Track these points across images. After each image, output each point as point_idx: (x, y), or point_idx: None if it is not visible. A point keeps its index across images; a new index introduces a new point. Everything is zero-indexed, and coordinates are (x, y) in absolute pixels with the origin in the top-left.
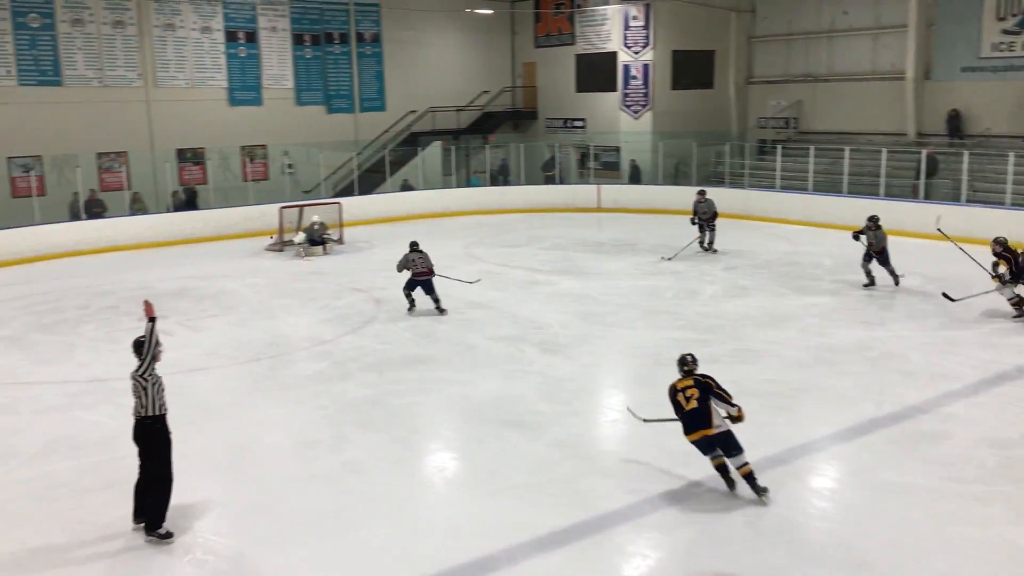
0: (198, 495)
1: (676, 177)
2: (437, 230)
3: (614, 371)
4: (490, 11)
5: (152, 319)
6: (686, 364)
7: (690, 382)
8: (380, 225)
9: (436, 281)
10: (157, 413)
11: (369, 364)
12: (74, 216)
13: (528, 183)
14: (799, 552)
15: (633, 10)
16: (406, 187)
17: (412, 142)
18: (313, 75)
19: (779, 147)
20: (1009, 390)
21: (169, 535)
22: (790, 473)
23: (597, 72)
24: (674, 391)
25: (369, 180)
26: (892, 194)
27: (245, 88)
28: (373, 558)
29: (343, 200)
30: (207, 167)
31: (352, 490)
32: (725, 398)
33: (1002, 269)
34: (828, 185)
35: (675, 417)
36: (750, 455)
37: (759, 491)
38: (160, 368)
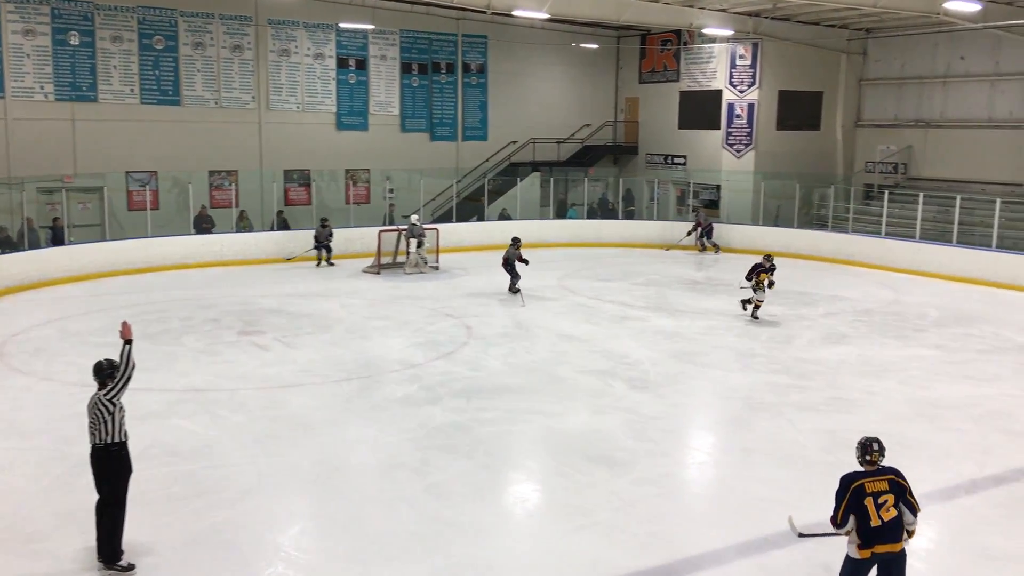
0: (284, 510)
1: (777, 219)
2: (532, 260)
3: (704, 412)
4: (595, 46)
5: (128, 341)
6: (871, 452)
7: (885, 484)
8: (476, 253)
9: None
10: (120, 440)
11: (458, 390)
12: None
13: (625, 218)
14: None
15: (740, 49)
16: (504, 216)
17: (512, 172)
18: (419, 103)
19: (886, 192)
20: None
21: (131, 567)
22: None
23: (701, 110)
24: (860, 493)
25: (468, 208)
26: (1005, 246)
27: (352, 113)
28: None
29: (441, 226)
30: (312, 189)
31: (435, 515)
32: (914, 506)
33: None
34: (936, 234)
35: (836, 531)
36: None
37: None
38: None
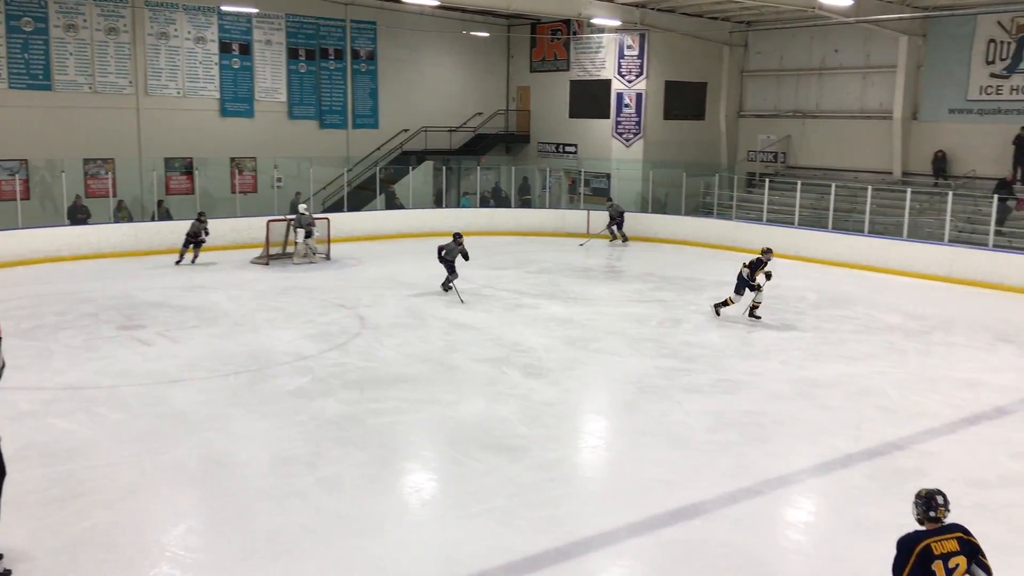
0: (169, 509)
1: (665, 207)
2: (425, 249)
3: (597, 397)
4: (486, 34)
5: None
6: (936, 508)
7: (954, 544)
8: (368, 242)
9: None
10: None
11: (351, 381)
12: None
13: (519, 206)
14: None
15: (628, 39)
16: (396, 205)
17: (404, 161)
18: (307, 90)
19: (767, 180)
20: (986, 430)
21: (7, 573)
22: (766, 505)
23: (591, 99)
24: (927, 556)
25: (359, 197)
26: (876, 231)
27: (237, 100)
28: None
29: (332, 216)
30: (195, 177)
31: (327, 508)
32: (988, 568)
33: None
34: (813, 220)
35: None
36: (728, 485)
37: None
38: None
